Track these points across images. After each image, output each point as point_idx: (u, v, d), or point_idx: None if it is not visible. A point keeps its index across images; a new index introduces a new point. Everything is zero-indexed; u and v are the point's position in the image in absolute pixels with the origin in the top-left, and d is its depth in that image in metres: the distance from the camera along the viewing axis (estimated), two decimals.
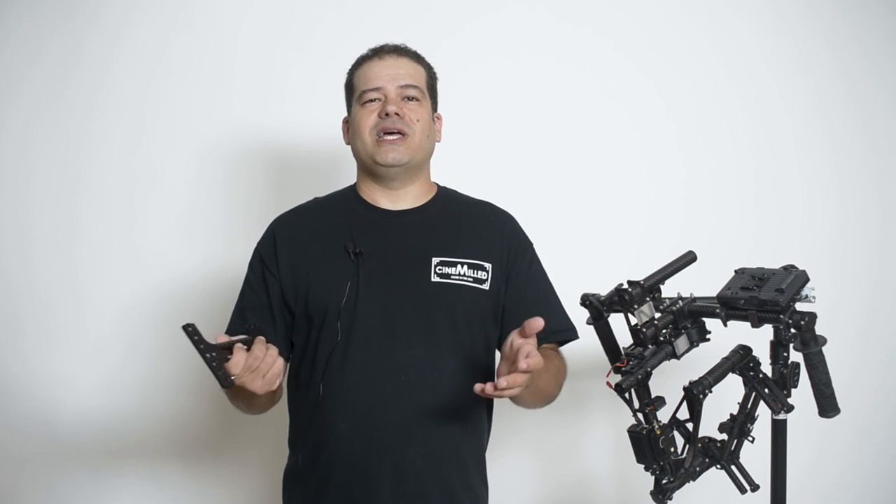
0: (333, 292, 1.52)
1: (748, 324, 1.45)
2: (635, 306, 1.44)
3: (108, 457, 2.31)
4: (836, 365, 1.53)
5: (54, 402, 2.30)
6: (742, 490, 1.50)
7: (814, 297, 1.45)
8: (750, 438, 1.51)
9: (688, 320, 1.48)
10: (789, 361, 1.50)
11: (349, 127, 1.64)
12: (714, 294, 1.49)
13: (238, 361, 1.33)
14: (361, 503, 1.49)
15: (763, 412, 1.51)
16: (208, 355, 1.32)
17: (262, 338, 1.37)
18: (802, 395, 1.50)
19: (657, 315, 1.47)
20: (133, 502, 2.32)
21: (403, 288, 1.53)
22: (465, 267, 1.56)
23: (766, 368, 1.51)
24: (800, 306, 1.45)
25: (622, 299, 1.45)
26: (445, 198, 1.68)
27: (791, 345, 1.47)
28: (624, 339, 1.51)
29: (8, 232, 2.33)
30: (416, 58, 1.63)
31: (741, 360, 1.49)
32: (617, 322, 1.51)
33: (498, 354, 1.64)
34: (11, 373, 2.31)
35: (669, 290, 1.51)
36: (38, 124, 2.33)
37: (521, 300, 1.61)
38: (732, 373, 1.48)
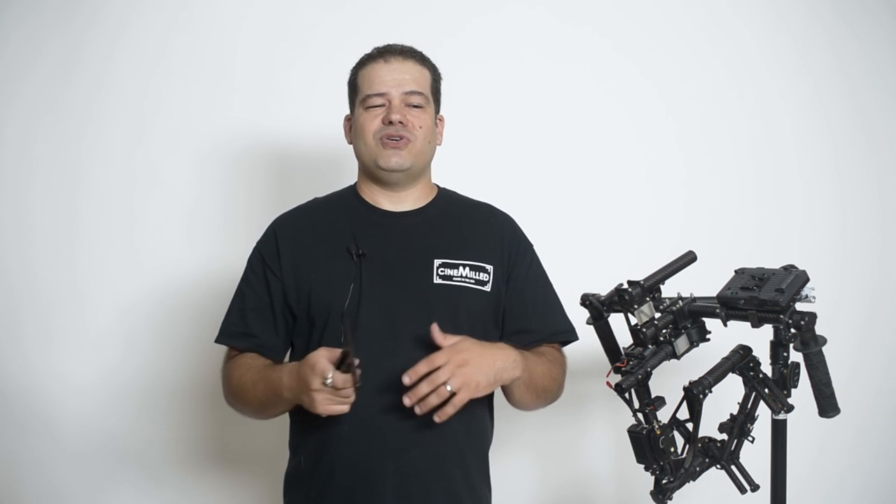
0: (336, 294, 1.51)
1: (748, 324, 1.45)
2: (635, 306, 1.44)
3: (109, 456, 2.31)
4: (836, 365, 1.53)
5: (54, 402, 2.30)
6: (742, 490, 1.50)
7: (814, 297, 1.45)
8: (750, 438, 1.51)
9: (688, 320, 1.48)
10: (789, 361, 1.50)
11: (352, 127, 1.63)
12: (714, 294, 1.49)
13: (344, 380, 1.36)
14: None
15: (763, 412, 1.51)
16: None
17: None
18: (802, 395, 1.50)
19: (657, 315, 1.47)
20: (133, 502, 2.32)
21: (406, 289, 1.53)
22: (467, 269, 1.56)
23: (766, 368, 1.51)
24: (800, 306, 1.45)
25: (622, 299, 1.45)
26: (446, 199, 1.68)
27: (791, 345, 1.47)
28: (624, 339, 1.51)
29: (8, 232, 2.33)
30: (422, 60, 1.62)
31: (741, 360, 1.49)
32: (617, 322, 1.51)
33: None
34: (11, 373, 2.31)
35: (669, 290, 1.51)
36: (38, 124, 2.33)
37: (521, 302, 1.61)
38: (732, 373, 1.48)
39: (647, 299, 1.46)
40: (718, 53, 2.42)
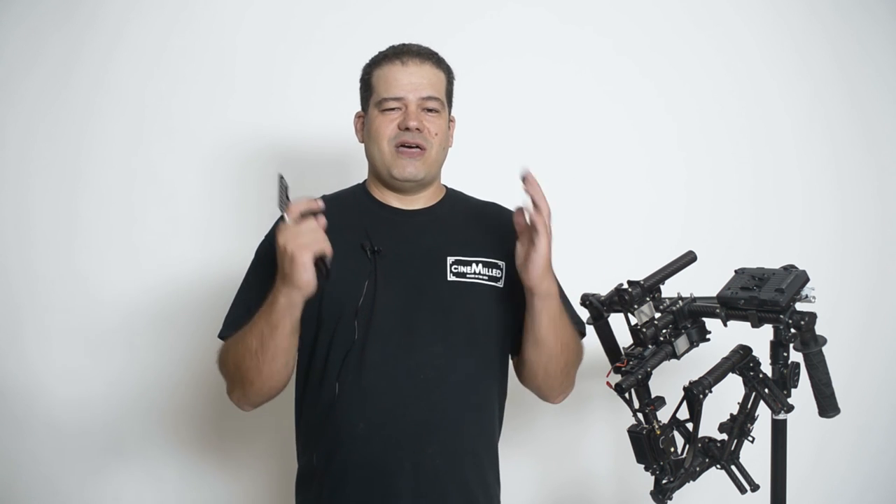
0: (350, 291, 1.50)
1: (748, 324, 1.45)
2: (635, 306, 1.44)
3: (110, 457, 2.31)
4: (836, 365, 1.53)
5: (54, 402, 2.30)
6: (742, 490, 1.50)
7: (814, 297, 1.45)
8: (750, 438, 1.51)
9: (688, 320, 1.48)
10: (789, 361, 1.50)
11: (364, 128, 1.61)
12: (714, 294, 1.49)
13: (297, 209, 1.34)
14: (380, 502, 1.48)
15: (763, 412, 1.51)
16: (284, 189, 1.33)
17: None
18: (802, 395, 1.50)
19: (657, 315, 1.47)
20: (134, 502, 2.32)
21: (420, 287, 1.52)
22: (480, 265, 1.56)
23: (766, 368, 1.51)
24: (800, 306, 1.45)
25: (622, 299, 1.45)
26: (454, 199, 1.68)
27: (791, 345, 1.47)
28: (624, 339, 1.51)
29: (8, 232, 2.33)
30: (438, 62, 1.60)
31: (741, 360, 1.49)
32: (617, 322, 1.51)
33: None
34: (11, 373, 2.31)
35: (669, 290, 1.51)
36: (38, 124, 2.32)
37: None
38: (732, 373, 1.48)
39: (647, 299, 1.46)
40: (718, 53, 2.42)
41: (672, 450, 1.41)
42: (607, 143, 2.39)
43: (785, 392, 1.50)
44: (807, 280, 1.46)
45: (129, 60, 2.33)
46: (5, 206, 2.33)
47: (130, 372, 2.30)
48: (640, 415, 1.42)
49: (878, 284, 2.44)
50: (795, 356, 1.49)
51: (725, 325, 1.47)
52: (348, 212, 1.60)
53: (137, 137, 2.33)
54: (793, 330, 1.43)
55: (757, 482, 1.50)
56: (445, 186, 1.69)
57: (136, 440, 2.31)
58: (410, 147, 1.53)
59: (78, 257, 2.32)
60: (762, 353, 1.52)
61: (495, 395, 1.59)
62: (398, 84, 1.54)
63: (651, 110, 2.40)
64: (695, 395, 1.41)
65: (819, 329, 1.45)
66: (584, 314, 1.56)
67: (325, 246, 1.35)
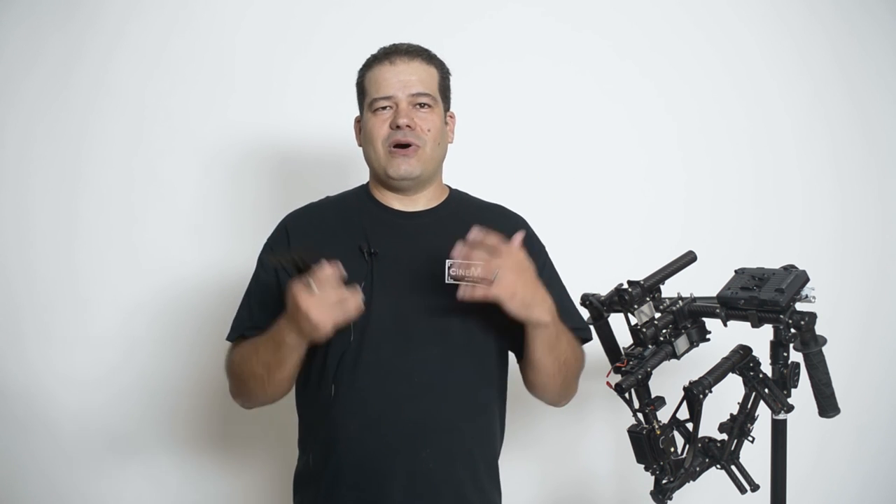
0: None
1: (748, 324, 1.45)
2: (635, 306, 1.44)
3: (110, 457, 2.31)
4: (836, 365, 1.53)
5: (54, 402, 2.30)
6: (742, 490, 1.50)
7: (814, 297, 1.45)
8: (750, 438, 1.51)
9: (688, 320, 1.48)
10: (789, 361, 1.50)
11: (361, 131, 1.62)
12: (714, 294, 1.49)
13: (328, 276, 1.33)
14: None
15: (763, 412, 1.51)
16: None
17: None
18: (802, 395, 1.50)
19: (657, 315, 1.47)
20: (134, 501, 2.32)
21: (417, 289, 1.52)
22: (479, 269, 1.56)
23: (766, 368, 1.51)
24: (800, 306, 1.45)
25: (622, 299, 1.45)
26: (458, 200, 1.67)
27: (791, 345, 1.47)
28: (624, 339, 1.51)
29: (8, 232, 2.33)
30: (429, 58, 1.60)
31: (741, 360, 1.49)
32: (617, 322, 1.51)
33: (511, 357, 1.64)
34: (11, 373, 2.31)
35: (669, 290, 1.51)
36: (38, 124, 2.33)
37: None
38: (732, 373, 1.48)
39: (647, 299, 1.46)
40: (718, 53, 2.42)
41: (672, 450, 1.41)
42: (607, 143, 2.39)
43: (785, 392, 1.50)
44: (807, 280, 1.46)
45: (129, 60, 2.33)
46: (5, 206, 2.33)
47: (130, 372, 2.30)
48: (640, 415, 1.42)
49: (878, 284, 2.44)
50: (795, 356, 1.49)
51: (725, 325, 1.47)
52: (349, 213, 1.60)
53: (137, 137, 2.33)
54: (793, 330, 1.43)
55: (757, 482, 1.50)
56: (449, 187, 1.69)
57: (137, 440, 2.31)
58: (403, 146, 1.53)
59: (78, 257, 2.32)
60: (762, 353, 1.52)
61: (493, 399, 1.59)
62: (387, 83, 1.55)
63: (651, 110, 2.40)
64: (695, 395, 1.41)
65: (819, 329, 1.45)
66: (584, 314, 1.56)
67: (350, 315, 1.36)
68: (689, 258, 1.54)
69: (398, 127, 1.53)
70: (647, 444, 1.39)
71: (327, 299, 1.34)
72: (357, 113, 1.66)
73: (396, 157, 1.54)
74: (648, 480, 1.46)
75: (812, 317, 1.43)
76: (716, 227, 2.38)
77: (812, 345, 1.44)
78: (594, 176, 2.39)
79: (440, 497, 1.50)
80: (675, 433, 1.45)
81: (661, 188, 2.40)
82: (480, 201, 1.70)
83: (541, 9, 2.38)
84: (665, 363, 1.45)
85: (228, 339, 1.60)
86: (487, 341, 1.55)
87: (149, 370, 2.31)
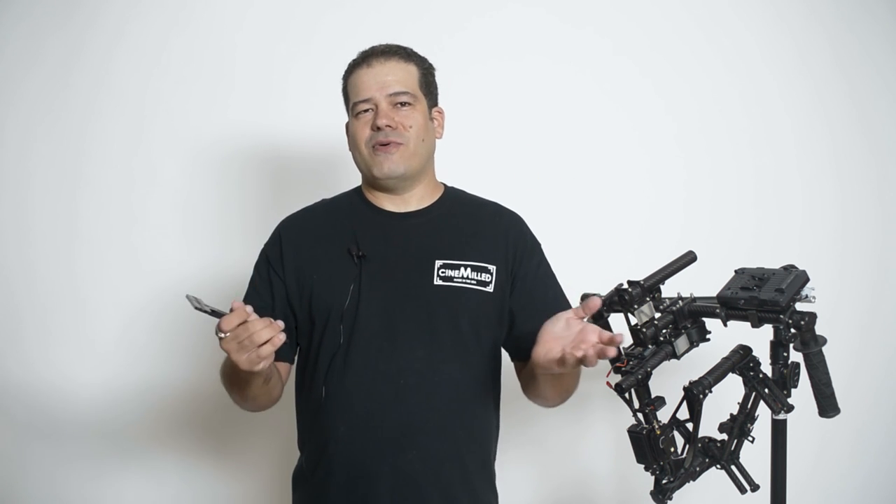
0: (336, 294, 1.52)
1: (748, 324, 1.45)
2: (635, 306, 1.44)
3: (109, 457, 2.31)
4: (836, 365, 1.53)
5: (54, 402, 2.30)
6: (742, 490, 1.50)
7: (814, 297, 1.45)
8: (750, 438, 1.51)
9: (688, 320, 1.48)
10: (789, 361, 1.50)
11: (348, 136, 1.63)
12: (714, 294, 1.49)
13: (231, 320, 1.29)
14: None
15: (763, 412, 1.51)
16: (208, 309, 1.32)
17: (270, 319, 1.33)
18: (802, 395, 1.50)
19: (657, 315, 1.46)
20: (133, 502, 2.32)
21: (405, 291, 1.52)
22: (469, 269, 1.56)
23: (766, 368, 1.51)
24: (800, 306, 1.45)
25: (622, 299, 1.44)
26: (452, 198, 1.66)
27: (791, 345, 1.47)
28: (624, 339, 1.51)
29: (8, 232, 2.33)
30: (406, 56, 1.59)
31: (741, 360, 1.48)
32: (617, 322, 1.51)
33: (505, 356, 1.64)
34: (11, 373, 2.31)
35: (669, 290, 1.51)
36: (38, 124, 2.33)
37: (530, 303, 1.59)
38: (732, 373, 1.48)
39: (647, 299, 1.45)
40: (718, 53, 2.41)
41: (672, 450, 1.41)
42: (607, 143, 2.39)
43: (785, 392, 1.50)
44: (807, 280, 1.45)
45: (129, 60, 2.33)
46: (5, 206, 2.33)
47: (130, 372, 2.31)
48: (640, 415, 1.41)
49: (878, 284, 2.44)
50: (795, 356, 1.49)
51: (725, 325, 1.47)
52: (341, 216, 1.61)
53: (137, 137, 2.33)
54: (793, 330, 1.43)
55: (757, 482, 1.50)
56: (444, 185, 1.69)
57: (137, 440, 2.31)
58: (385, 144, 1.54)
59: (78, 257, 2.32)
60: (762, 353, 1.51)
61: (483, 399, 1.58)
62: (365, 86, 1.56)
63: (651, 110, 2.40)
64: (695, 395, 1.41)
65: (819, 329, 1.45)
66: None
67: (267, 349, 1.30)
68: (689, 258, 1.53)
69: (379, 128, 1.53)
70: (647, 444, 1.38)
71: (239, 342, 1.30)
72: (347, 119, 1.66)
73: (379, 156, 1.54)
74: (648, 480, 1.46)
75: (812, 317, 1.43)
76: (716, 227, 2.38)
77: (812, 345, 1.44)
78: (594, 176, 2.39)
79: (427, 498, 1.50)
80: (675, 433, 1.45)
81: (661, 188, 2.39)
82: (476, 198, 1.69)
83: (541, 8, 2.38)
84: (665, 363, 1.45)
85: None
86: (477, 341, 1.55)
87: (149, 370, 2.31)
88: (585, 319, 1.50)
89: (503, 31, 2.37)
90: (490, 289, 1.56)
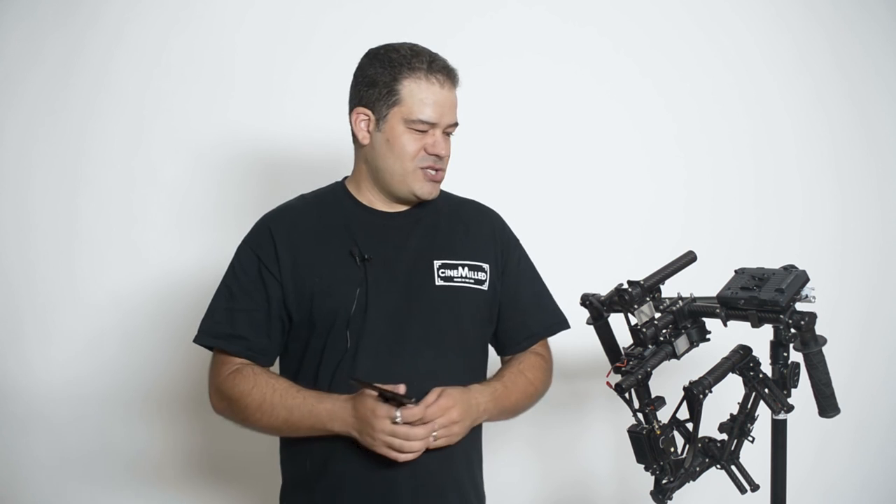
0: (342, 299, 1.48)
1: (748, 324, 1.45)
2: (635, 306, 1.44)
3: (108, 457, 2.31)
4: (836, 365, 1.53)
5: (54, 402, 2.30)
6: (742, 490, 1.50)
7: (814, 297, 1.45)
8: (750, 438, 1.51)
9: (688, 320, 1.48)
10: (789, 361, 1.50)
11: (377, 133, 1.52)
12: (714, 294, 1.49)
13: (413, 414, 1.37)
14: None
15: (763, 412, 1.51)
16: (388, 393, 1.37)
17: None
18: (802, 395, 1.50)
19: (657, 315, 1.47)
20: (133, 502, 2.32)
21: (409, 293, 1.52)
22: (466, 269, 1.56)
23: (766, 368, 1.51)
24: (800, 306, 1.45)
25: (622, 299, 1.45)
26: (434, 198, 1.64)
27: (791, 345, 1.47)
28: (624, 339, 1.51)
29: (8, 232, 2.33)
30: (456, 82, 1.55)
31: (741, 360, 1.48)
32: (617, 322, 1.51)
33: (491, 351, 1.65)
34: (11, 373, 2.31)
35: (669, 290, 1.51)
36: (38, 124, 2.33)
37: (515, 297, 1.61)
38: (732, 373, 1.48)
39: (647, 299, 1.46)
40: (719, 53, 2.42)
41: (672, 450, 1.41)
42: (607, 142, 2.39)
43: (785, 392, 1.50)
44: (807, 280, 1.45)
45: (129, 60, 2.33)
46: (5, 206, 2.33)
47: (130, 372, 2.30)
48: (640, 415, 1.41)
49: (878, 284, 2.44)
50: (795, 356, 1.49)
51: (725, 325, 1.47)
52: (332, 215, 1.57)
53: (137, 137, 2.33)
54: (793, 330, 1.43)
55: (757, 482, 1.50)
56: None
57: (136, 440, 2.31)
58: (435, 170, 1.53)
59: (78, 257, 2.32)
60: (762, 353, 1.51)
61: None
62: (438, 107, 1.50)
63: (651, 110, 2.40)
64: (695, 395, 1.41)
65: (819, 329, 1.45)
66: (584, 314, 1.55)
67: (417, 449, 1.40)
68: (689, 258, 1.54)
69: (437, 155, 1.51)
70: (647, 444, 1.39)
71: (410, 440, 1.38)
72: (360, 107, 1.55)
73: (428, 181, 1.53)
74: (648, 480, 1.46)
75: (812, 317, 1.43)
76: (716, 227, 2.38)
77: (812, 345, 1.44)
78: (594, 175, 2.39)
79: (443, 494, 1.51)
80: (675, 433, 1.45)
81: (662, 188, 2.40)
82: (456, 197, 1.69)
83: (541, 8, 2.38)
84: (665, 363, 1.45)
85: (201, 342, 1.56)
86: (474, 339, 1.58)
87: (148, 370, 2.31)
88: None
89: (504, 30, 2.37)
90: (485, 287, 1.57)
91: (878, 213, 2.44)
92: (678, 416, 1.47)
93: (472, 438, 1.56)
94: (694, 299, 1.51)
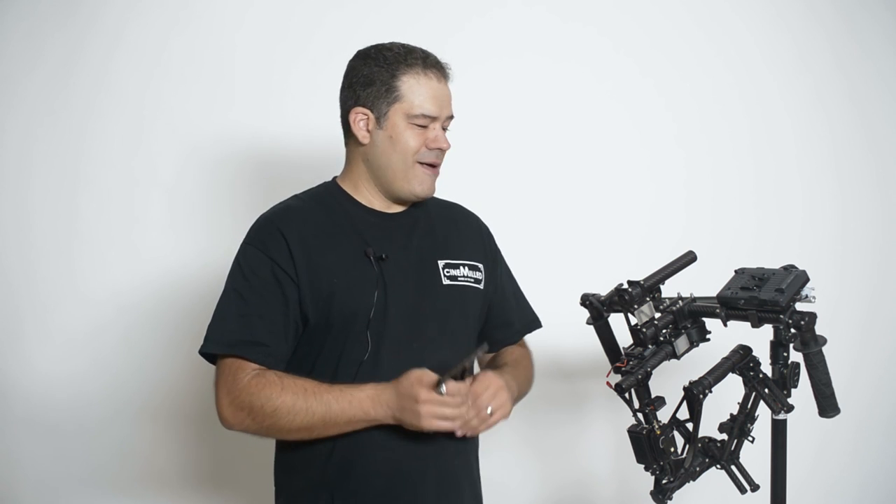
0: (361, 300, 1.46)
1: (748, 324, 1.45)
2: (635, 306, 1.44)
3: (108, 457, 2.31)
4: (836, 365, 1.53)
5: (54, 402, 2.30)
6: (742, 490, 1.50)
7: (814, 297, 1.45)
8: (750, 438, 1.51)
9: (688, 320, 1.48)
10: (789, 361, 1.50)
11: (378, 132, 1.51)
12: (714, 294, 1.49)
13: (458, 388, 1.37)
14: None
15: (763, 412, 1.51)
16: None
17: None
18: (802, 395, 1.50)
19: (657, 315, 1.47)
20: (133, 502, 2.32)
21: (422, 292, 1.52)
22: (467, 268, 1.58)
23: (766, 368, 1.51)
24: (800, 306, 1.45)
25: (622, 299, 1.45)
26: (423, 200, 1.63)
27: (791, 345, 1.47)
28: (624, 339, 1.51)
29: (8, 232, 2.33)
30: (448, 77, 1.56)
31: (741, 360, 1.49)
32: (617, 322, 1.51)
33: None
34: (11, 373, 2.31)
35: (669, 290, 1.51)
36: (38, 124, 2.33)
37: (502, 297, 1.67)
38: (732, 373, 1.48)
39: (647, 299, 1.46)
40: (718, 53, 2.42)
41: (672, 450, 1.41)
42: (608, 142, 2.39)
43: (785, 392, 1.50)
44: (807, 280, 1.45)
45: (129, 60, 2.33)
46: (5, 206, 2.33)
47: (130, 372, 2.30)
48: (640, 415, 1.42)
49: (878, 284, 2.44)
50: (795, 356, 1.49)
51: (725, 325, 1.47)
52: (336, 215, 1.54)
53: (137, 137, 2.33)
54: (793, 330, 1.43)
55: (757, 482, 1.50)
56: None
57: (136, 440, 2.31)
58: (435, 166, 1.53)
59: (78, 257, 2.32)
60: (762, 353, 1.52)
61: None
62: (437, 101, 1.50)
63: (651, 109, 2.40)
64: (695, 395, 1.41)
65: (819, 329, 1.45)
66: (584, 314, 1.56)
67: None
68: (689, 258, 1.54)
69: (439, 149, 1.52)
70: (647, 444, 1.39)
71: (443, 405, 1.36)
72: (359, 107, 1.54)
73: (427, 176, 1.52)
74: (648, 480, 1.46)
75: (812, 317, 1.43)
76: (716, 227, 2.38)
77: (812, 345, 1.44)
78: (594, 175, 2.39)
79: (462, 491, 1.54)
80: (675, 433, 1.45)
81: (662, 188, 2.40)
82: (441, 200, 1.69)
83: (541, 7, 2.38)
84: (665, 363, 1.45)
85: (216, 350, 1.47)
86: (474, 336, 1.61)
87: (149, 370, 2.30)
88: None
89: (504, 30, 2.37)
90: (482, 286, 1.60)
91: (878, 213, 2.44)
92: (678, 416, 1.47)
93: (475, 438, 1.57)
94: (694, 299, 1.51)
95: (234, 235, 2.26)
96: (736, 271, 1.52)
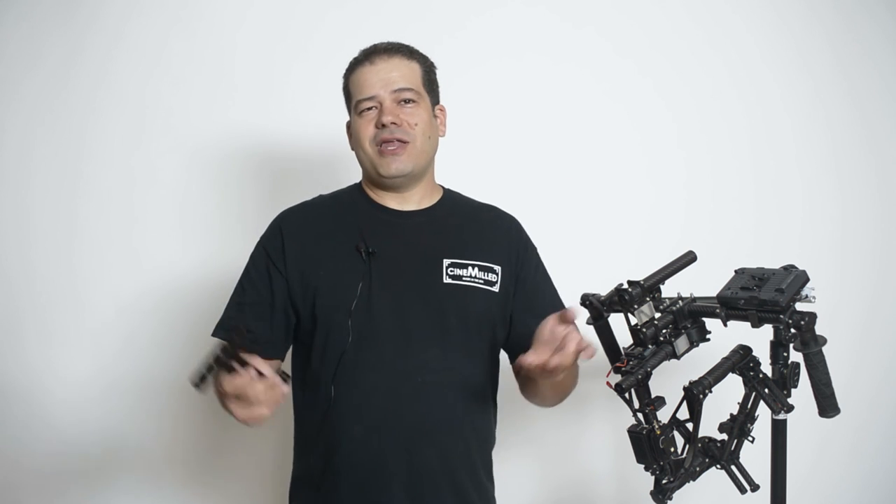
0: (344, 292, 1.49)
1: (748, 324, 1.45)
2: (635, 306, 1.44)
3: (108, 457, 2.31)
4: (836, 365, 1.53)
5: (54, 402, 2.30)
6: (742, 490, 1.50)
7: (814, 297, 1.45)
8: (750, 438, 1.51)
9: (688, 320, 1.48)
10: (789, 361, 1.50)
11: (351, 134, 1.63)
12: (714, 294, 1.49)
13: (236, 383, 1.27)
14: None
15: (763, 412, 1.51)
16: (219, 356, 1.30)
17: (274, 381, 1.27)
18: (802, 395, 1.50)
19: (657, 315, 1.47)
20: (133, 502, 2.32)
21: (416, 289, 1.52)
22: (476, 269, 1.56)
23: (766, 368, 1.51)
24: (800, 306, 1.45)
25: (622, 299, 1.45)
26: (452, 200, 1.67)
27: (791, 345, 1.47)
28: (624, 339, 1.51)
29: (8, 232, 2.33)
30: (409, 54, 1.60)
31: (741, 360, 1.49)
32: (617, 322, 1.51)
33: (503, 356, 1.65)
34: (11, 373, 2.31)
35: (669, 290, 1.51)
36: (38, 124, 2.32)
37: (530, 305, 1.61)
38: (732, 373, 1.48)
39: (647, 299, 1.46)
40: (719, 53, 2.41)
41: (672, 450, 1.41)
42: (607, 142, 2.39)
43: (785, 392, 1.50)
44: (807, 280, 1.45)
45: (129, 60, 2.32)
46: (5, 206, 2.33)
47: (130, 372, 2.30)
48: (640, 415, 1.42)
49: (878, 284, 2.44)
50: (795, 356, 1.49)
51: (725, 325, 1.47)
52: (344, 212, 1.60)
53: (137, 137, 2.33)
54: (793, 330, 1.43)
55: (757, 482, 1.50)
56: (442, 187, 1.69)
57: (136, 441, 2.31)
58: (390, 143, 1.53)
59: (78, 257, 2.32)
60: (762, 353, 1.52)
61: (488, 397, 1.61)
62: (369, 83, 1.55)
63: (651, 110, 2.40)
64: (695, 395, 1.41)
65: (819, 329, 1.45)
66: (584, 314, 1.56)
67: (265, 413, 1.27)
68: (689, 258, 1.54)
69: (384, 125, 1.52)
70: (647, 444, 1.39)
71: (252, 399, 1.27)
72: (348, 118, 1.65)
73: (386, 157, 1.54)
74: (648, 480, 1.46)
75: (812, 317, 1.43)
76: (716, 227, 2.38)
77: (812, 345, 1.44)
78: (594, 175, 2.39)
79: (440, 492, 1.51)
80: (675, 433, 1.45)
81: (662, 188, 2.39)
82: (474, 202, 1.70)
83: (541, 7, 2.38)
84: (665, 363, 1.45)
85: (214, 335, 1.56)
86: (482, 340, 1.57)
87: (148, 370, 2.30)
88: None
89: (503, 30, 2.37)
90: (496, 289, 1.57)
91: (878, 213, 2.44)
92: (678, 416, 1.47)
93: (478, 437, 1.57)
94: (694, 299, 1.51)
95: (235, 235, 2.28)
96: (736, 271, 1.52)
